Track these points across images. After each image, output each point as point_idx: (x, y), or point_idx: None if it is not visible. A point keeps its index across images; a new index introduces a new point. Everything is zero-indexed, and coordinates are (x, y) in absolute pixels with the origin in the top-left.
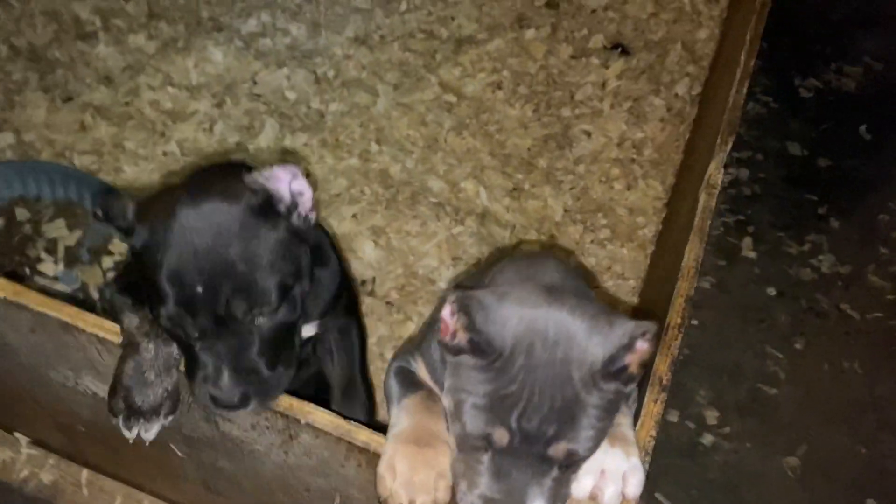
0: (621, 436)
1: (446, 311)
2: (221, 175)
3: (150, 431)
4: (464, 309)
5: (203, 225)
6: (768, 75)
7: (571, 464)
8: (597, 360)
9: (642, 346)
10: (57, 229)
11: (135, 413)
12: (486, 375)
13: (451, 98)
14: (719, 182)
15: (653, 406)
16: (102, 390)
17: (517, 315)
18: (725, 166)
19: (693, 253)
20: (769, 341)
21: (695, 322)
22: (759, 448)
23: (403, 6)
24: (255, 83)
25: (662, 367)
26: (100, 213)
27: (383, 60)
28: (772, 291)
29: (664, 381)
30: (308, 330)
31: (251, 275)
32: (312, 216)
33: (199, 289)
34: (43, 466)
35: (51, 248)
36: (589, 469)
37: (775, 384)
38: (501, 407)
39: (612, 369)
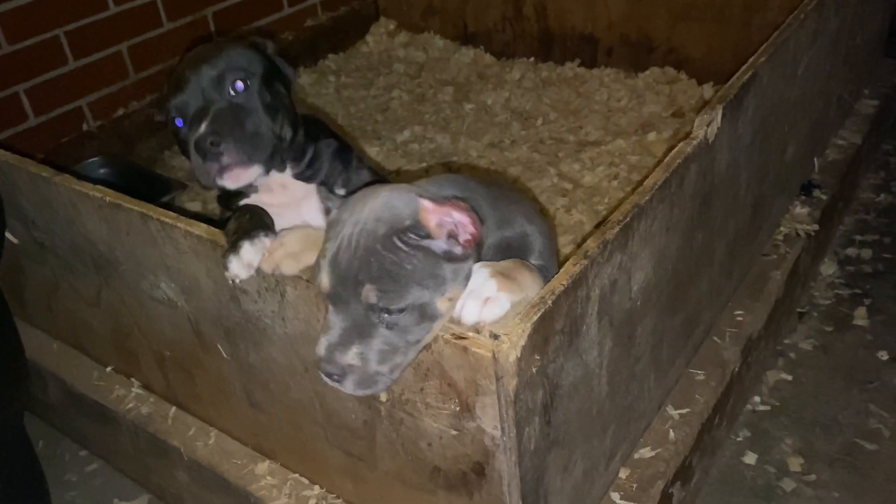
0: (504, 274)
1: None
2: None
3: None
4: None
5: (205, 50)
6: None
7: (390, 317)
8: (400, 219)
9: (426, 204)
10: None
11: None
12: (328, 238)
13: (567, 185)
14: (701, 136)
15: (571, 266)
16: (173, 291)
17: (358, 194)
18: (844, 246)
19: (653, 179)
20: (875, 401)
21: (788, 377)
22: (848, 499)
23: (539, 121)
24: (398, 174)
25: (592, 244)
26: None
27: (511, 158)
28: (884, 356)
29: (589, 252)
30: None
31: (228, 63)
32: (289, 72)
33: (191, 76)
34: (144, 403)
35: None
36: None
37: (877, 441)
38: (327, 257)
39: (409, 227)
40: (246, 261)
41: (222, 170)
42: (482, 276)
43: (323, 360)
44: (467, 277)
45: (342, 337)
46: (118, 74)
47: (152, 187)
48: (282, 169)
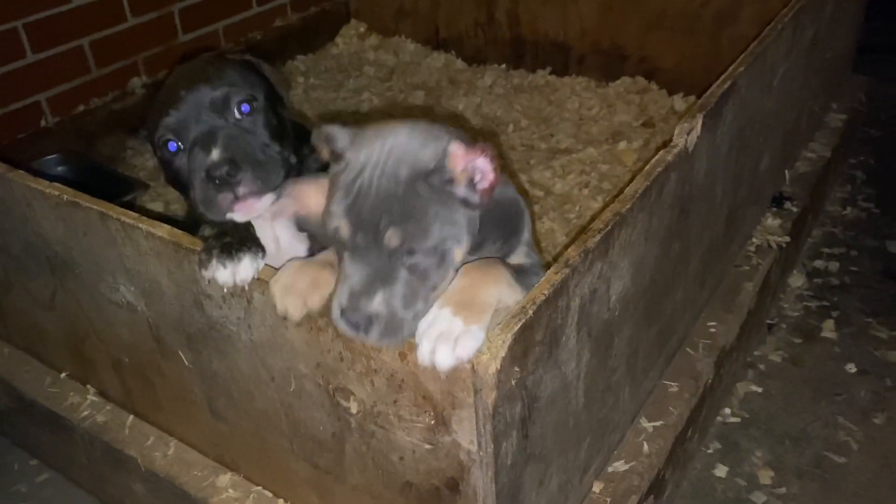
0: (467, 305)
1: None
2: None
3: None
4: (319, 132)
5: (199, 67)
6: (874, 186)
7: (412, 259)
8: (423, 162)
9: (456, 149)
10: None
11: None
12: (341, 184)
13: (539, 193)
14: (682, 144)
15: (553, 275)
16: (133, 294)
17: (369, 133)
18: (812, 258)
19: (634, 186)
20: (843, 413)
21: (758, 389)
22: None
23: (511, 128)
24: None
25: (573, 253)
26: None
27: None
28: (852, 369)
29: (570, 261)
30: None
31: (232, 82)
32: (284, 94)
33: (189, 95)
34: (100, 411)
35: None
36: (426, 335)
37: (845, 454)
38: (343, 203)
39: (432, 169)
40: (241, 277)
41: (235, 201)
42: (445, 316)
43: (347, 309)
44: (474, 229)
45: (365, 284)
46: (79, 70)
47: (113, 186)
48: None
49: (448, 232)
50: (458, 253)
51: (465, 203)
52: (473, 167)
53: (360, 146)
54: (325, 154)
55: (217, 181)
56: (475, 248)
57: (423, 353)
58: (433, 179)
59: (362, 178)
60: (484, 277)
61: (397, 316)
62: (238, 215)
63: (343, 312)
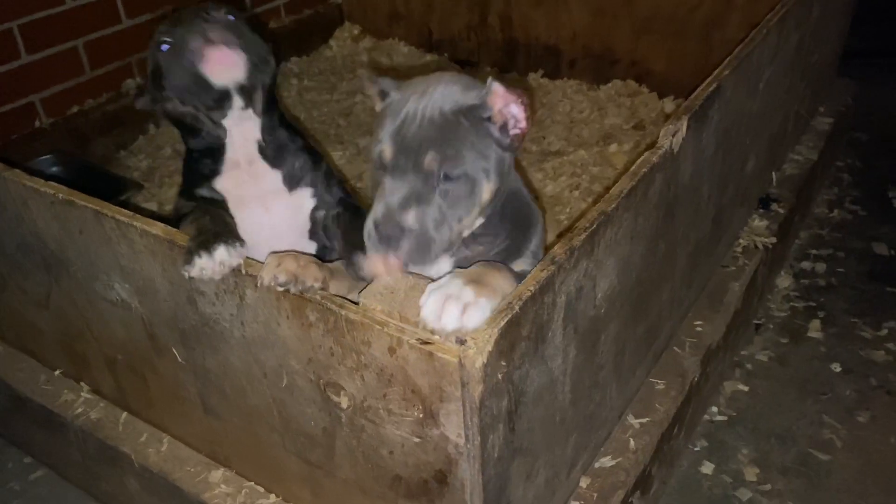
0: (479, 282)
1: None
2: None
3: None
4: (371, 77)
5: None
6: (861, 188)
7: (446, 184)
8: (466, 99)
9: (497, 88)
10: None
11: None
12: (388, 114)
13: None
14: (667, 145)
15: (539, 272)
16: (127, 292)
17: (416, 79)
18: (799, 260)
19: (619, 187)
20: (828, 412)
21: (745, 388)
22: None
23: None
24: (360, 178)
25: (559, 250)
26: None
27: None
28: (837, 368)
29: (556, 258)
30: (305, 198)
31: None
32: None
33: (185, 11)
34: (94, 408)
35: None
36: (435, 292)
37: (830, 451)
38: (389, 130)
39: (474, 106)
40: (219, 260)
41: (206, 47)
42: (457, 283)
43: (381, 222)
44: (502, 170)
45: (401, 201)
46: (73, 71)
47: (107, 187)
48: (257, 113)
49: (480, 163)
50: (486, 189)
51: (498, 143)
52: (509, 112)
53: (408, 87)
54: (372, 94)
55: (190, 23)
56: (482, 237)
57: (429, 311)
58: (474, 114)
59: (408, 109)
60: (494, 268)
61: (427, 234)
62: (208, 67)
63: (377, 227)
